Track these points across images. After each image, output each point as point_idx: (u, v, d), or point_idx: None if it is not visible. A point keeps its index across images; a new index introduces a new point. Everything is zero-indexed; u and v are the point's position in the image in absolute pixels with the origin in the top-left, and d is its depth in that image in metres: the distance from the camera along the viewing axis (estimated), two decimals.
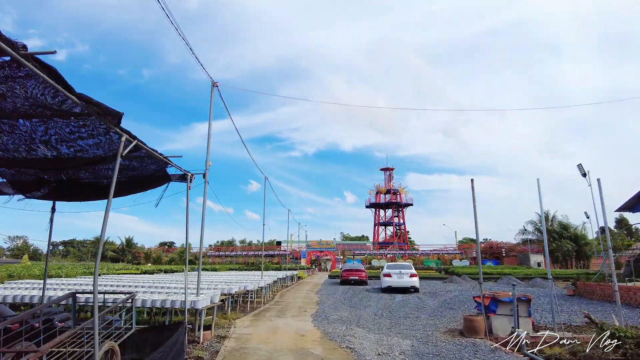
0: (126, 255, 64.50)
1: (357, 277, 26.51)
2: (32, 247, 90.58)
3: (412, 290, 20.82)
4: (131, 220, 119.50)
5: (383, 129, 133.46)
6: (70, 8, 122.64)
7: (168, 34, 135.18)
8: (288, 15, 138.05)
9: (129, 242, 66.19)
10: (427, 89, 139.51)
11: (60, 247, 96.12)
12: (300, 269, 45.08)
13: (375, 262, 56.56)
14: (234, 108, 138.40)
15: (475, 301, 10.04)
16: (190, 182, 6.32)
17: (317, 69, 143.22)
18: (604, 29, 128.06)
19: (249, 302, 14.47)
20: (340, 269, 29.41)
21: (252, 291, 14.67)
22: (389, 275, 20.58)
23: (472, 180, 10.09)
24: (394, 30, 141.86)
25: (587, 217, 37.37)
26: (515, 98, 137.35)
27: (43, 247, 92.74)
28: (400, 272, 20.53)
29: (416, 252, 61.12)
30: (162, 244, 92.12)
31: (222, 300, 12.06)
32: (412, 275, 20.49)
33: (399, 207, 69.98)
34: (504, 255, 53.57)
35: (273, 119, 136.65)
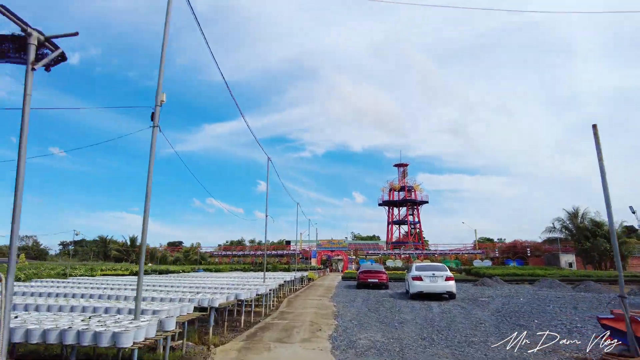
0: (130, 254, 61.30)
1: (376, 280, 22.57)
2: (42, 246, 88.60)
3: (447, 296, 16.87)
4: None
5: (392, 129, 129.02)
6: (82, 12, 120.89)
7: (177, 36, 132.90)
8: (296, 16, 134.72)
9: (133, 242, 62.97)
10: (436, 88, 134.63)
11: (71, 247, 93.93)
12: (310, 270, 41.25)
13: (390, 263, 52.44)
14: (245, 108, 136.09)
15: (606, 326, 6.05)
16: (41, 60, 2.51)
17: (324, 68, 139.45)
18: (617, 28, 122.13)
19: (243, 314, 10.65)
20: (357, 270, 25.55)
21: (248, 300, 10.86)
22: (419, 278, 16.60)
23: (594, 126, 6.12)
24: (402, 30, 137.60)
25: (633, 212, 32.84)
26: (525, 98, 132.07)
27: (52, 246, 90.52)
28: (433, 274, 16.54)
29: (433, 251, 56.79)
30: (171, 244, 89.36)
31: (203, 316, 8.32)
32: (447, 279, 16.49)
33: (413, 204, 65.73)
34: (528, 255, 49.05)
35: (283, 120, 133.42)
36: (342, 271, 48.23)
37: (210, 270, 36.70)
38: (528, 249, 49.40)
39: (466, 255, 54.59)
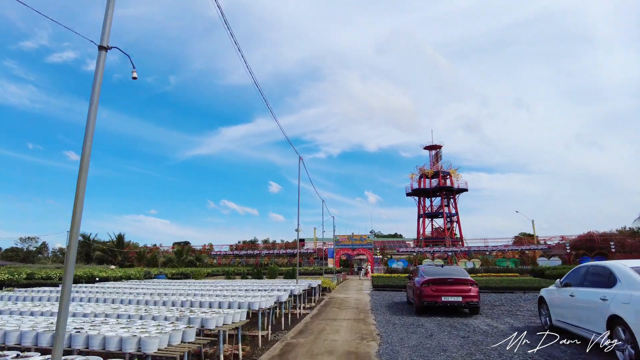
0: (116, 255, 50.61)
1: (459, 299, 10.67)
2: (51, 249, 79.96)
3: None
4: (162, 223, 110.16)
5: (407, 127, 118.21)
6: (100, 20, 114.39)
7: (191, 41, 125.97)
8: (308, 16, 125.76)
9: (120, 240, 52.34)
10: (451, 84, 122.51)
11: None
12: (326, 273, 29.50)
13: (427, 263, 40.22)
14: (259, 112, 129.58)
15: None
16: None
17: (336, 68, 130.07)
18: None
19: None
20: (412, 278, 13.50)
21: None
22: None
23: None
24: (416, 27, 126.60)
25: None
26: (544, 91, 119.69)
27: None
28: None
29: (484, 248, 44.05)
30: (176, 244, 79.62)
31: None
32: None
33: (450, 193, 53.22)
34: (613, 250, 36.05)
35: (297, 122, 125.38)
36: (367, 275, 36.25)
37: (187, 276, 25.32)
38: (612, 243, 36.39)
39: (526, 252, 41.78)
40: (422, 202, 55.08)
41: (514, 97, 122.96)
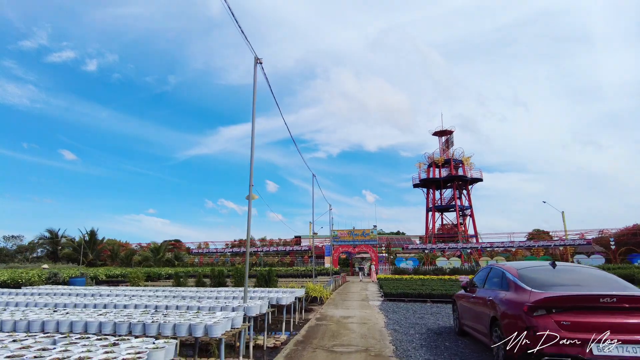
0: (87, 254, 43.92)
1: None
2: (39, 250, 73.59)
3: None
4: (163, 223, 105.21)
5: (406, 127, 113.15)
6: (99, 20, 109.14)
7: (190, 41, 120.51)
8: (305, 16, 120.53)
9: (93, 237, 45.66)
10: (449, 84, 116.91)
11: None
12: (320, 275, 22.89)
13: (442, 262, 33.55)
14: (258, 112, 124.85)
15: None
16: None
17: (335, 68, 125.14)
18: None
19: None
20: (472, 288, 6.87)
21: None
22: None
23: None
24: (414, 26, 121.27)
25: None
26: (543, 91, 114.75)
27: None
28: None
29: (509, 244, 37.25)
30: (166, 242, 73.30)
31: None
32: None
33: (463, 183, 46.55)
34: None
35: (296, 121, 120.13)
36: (370, 275, 29.61)
37: (124, 280, 18.41)
38: None
39: (560, 248, 35.08)
40: (431, 194, 48.42)
41: (512, 97, 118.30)
